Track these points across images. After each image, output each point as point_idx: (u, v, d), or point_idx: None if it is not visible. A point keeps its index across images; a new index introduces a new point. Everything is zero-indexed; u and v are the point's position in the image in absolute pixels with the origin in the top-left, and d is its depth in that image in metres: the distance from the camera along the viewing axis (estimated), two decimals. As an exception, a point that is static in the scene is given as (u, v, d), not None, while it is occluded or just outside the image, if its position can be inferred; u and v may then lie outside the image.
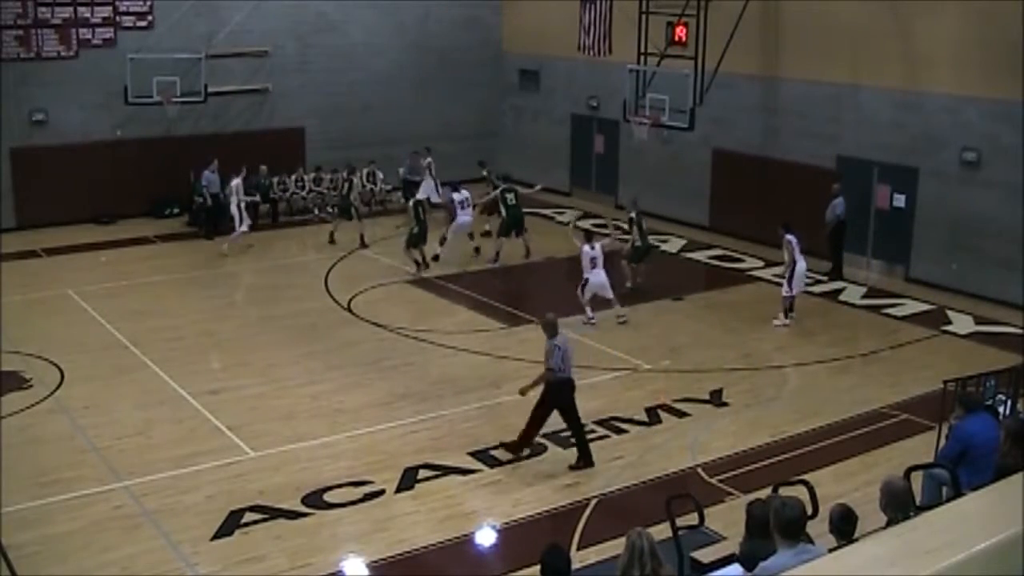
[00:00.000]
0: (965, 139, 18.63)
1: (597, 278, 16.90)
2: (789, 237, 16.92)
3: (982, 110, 18.32)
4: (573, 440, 12.11)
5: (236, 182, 21.22)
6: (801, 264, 16.89)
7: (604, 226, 20.19)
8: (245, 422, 13.06)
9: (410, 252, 19.80)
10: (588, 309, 16.92)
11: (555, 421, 13.13)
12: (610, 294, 17.01)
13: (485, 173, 22.26)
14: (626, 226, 18.90)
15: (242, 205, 21.25)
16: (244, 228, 21.25)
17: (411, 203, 20.38)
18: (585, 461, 11.96)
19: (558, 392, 11.85)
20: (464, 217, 20.47)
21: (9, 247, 20.85)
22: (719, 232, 22.88)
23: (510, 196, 20.28)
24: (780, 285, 17.38)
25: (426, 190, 23.65)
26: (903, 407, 13.79)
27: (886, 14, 19.43)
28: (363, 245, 21.72)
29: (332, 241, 21.83)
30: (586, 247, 17.02)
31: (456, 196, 20.56)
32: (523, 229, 20.53)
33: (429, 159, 24.13)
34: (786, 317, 17.04)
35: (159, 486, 11.41)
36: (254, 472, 11.78)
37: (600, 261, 16.91)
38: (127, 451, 12.31)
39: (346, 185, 22.41)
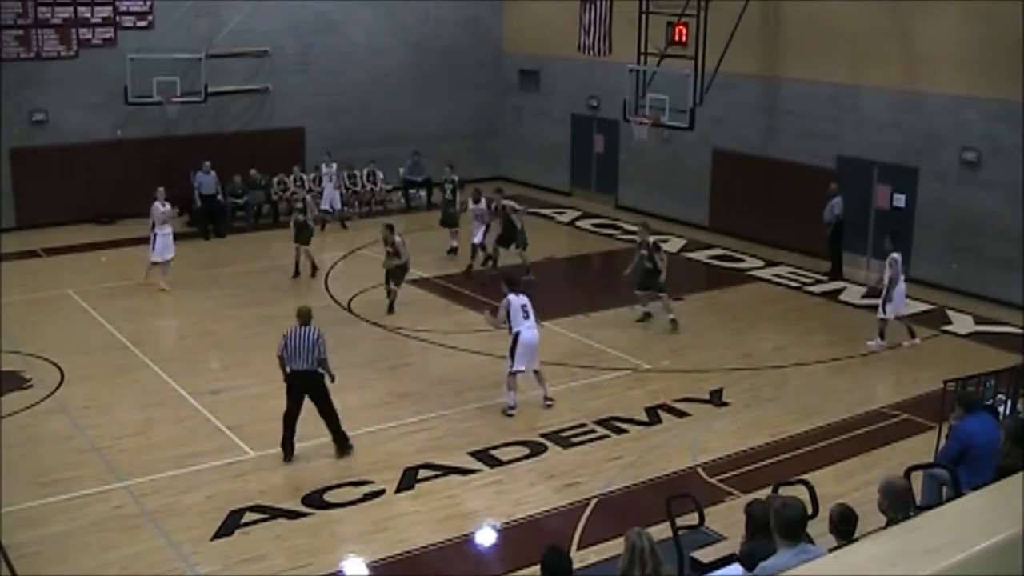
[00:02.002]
0: (965, 139, 18.63)
1: (532, 335, 13.29)
2: (896, 255, 15.86)
3: (982, 110, 18.32)
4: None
5: (156, 205, 18.68)
6: (902, 284, 15.87)
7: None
8: (245, 422, 13.06)
9: (393, 289, 17.66)
10: (512, 393, 13.36)
11: (560, 420, 13.19)
12: (537, 363, 13.55)
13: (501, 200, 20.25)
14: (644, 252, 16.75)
15: (158, 233, 18.53)
16: (156, 257, 18.62)
17: (385, 226, 17.99)
18: (340, 448, 12.10)
19: (288, 385, 12.03)
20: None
21: (9, 247, 20.86)
22: (719, 232, 22.88)
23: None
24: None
25: (328, 198, 23.62)
26: (903, 407, 13.80)
27: (886, 14, 19.43)
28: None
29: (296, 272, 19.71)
30: (511, 296, 13.42)
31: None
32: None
33: (335, 164, 24.14)
34: (882, 338, 16.00)
35: (159, 486, 11.41)
36: (254, 472, 11.78)
37: (531, 311, 13.44)
38: (127, 451, 12.31)
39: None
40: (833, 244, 19.98)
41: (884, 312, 15.94)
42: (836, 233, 19.86)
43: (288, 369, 11.95)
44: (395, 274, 17.66)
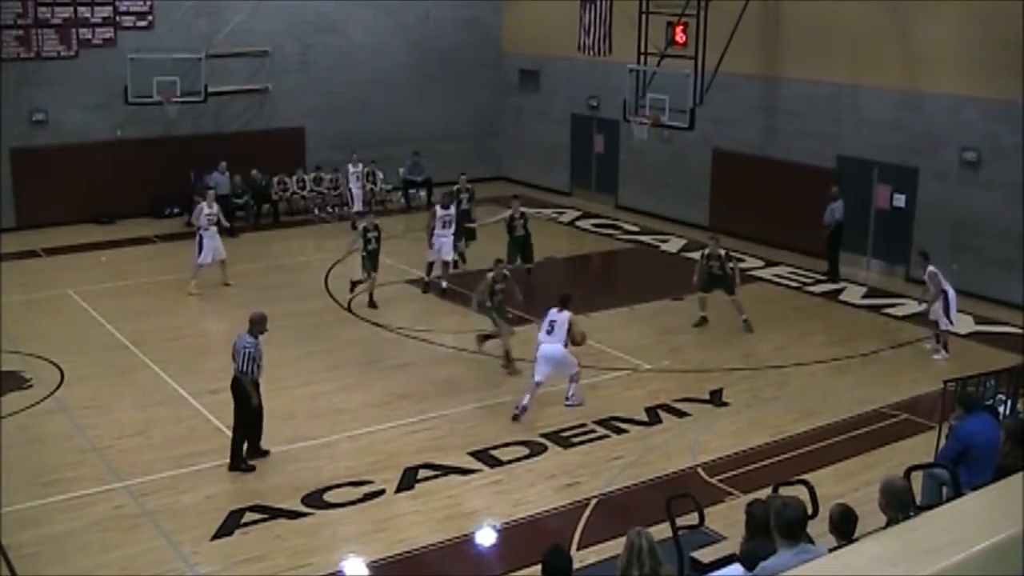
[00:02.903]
0: (965, 139, 18.63)
1: (543, 349, 13.32)
2: (933, 269, 15.61)
3: (982, 110, 18.33)
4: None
5: (202, 206, 18.78)
6: (952, 292, 15.55)
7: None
8: (245, 422, 13.04)
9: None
10: (528, 396, 13.28)
11: (560, 420, 13.19)
12: (570, 370, 13.65)
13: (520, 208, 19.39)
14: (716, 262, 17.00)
15: (203, 233, 18.50)
16: (203, 260, 18.59)
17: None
18: (233, 462, 11.85)
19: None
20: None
21: (9, 247, 20.86)
22: (719, 232, 22.80)
23: (519, 224, 18.93)
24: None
25: (356, 199, 23.13)
26: (903, 407, 13.81)
27: (886, 14, 19.44)
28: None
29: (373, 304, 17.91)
30: (553, 309, 13.56)
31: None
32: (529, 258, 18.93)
33: (361, 164, 23.87)
34: (946, 350, 15.66)
35: (159, 486, 11.42)
36: (254, 472, 11.77)
37: (557, 327, 13.38)
38: (127, 451, 12.31)
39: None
40: (831, 247, 19.88)
41: (949, 323, 15.63)
42: (834, 236, 19.78)
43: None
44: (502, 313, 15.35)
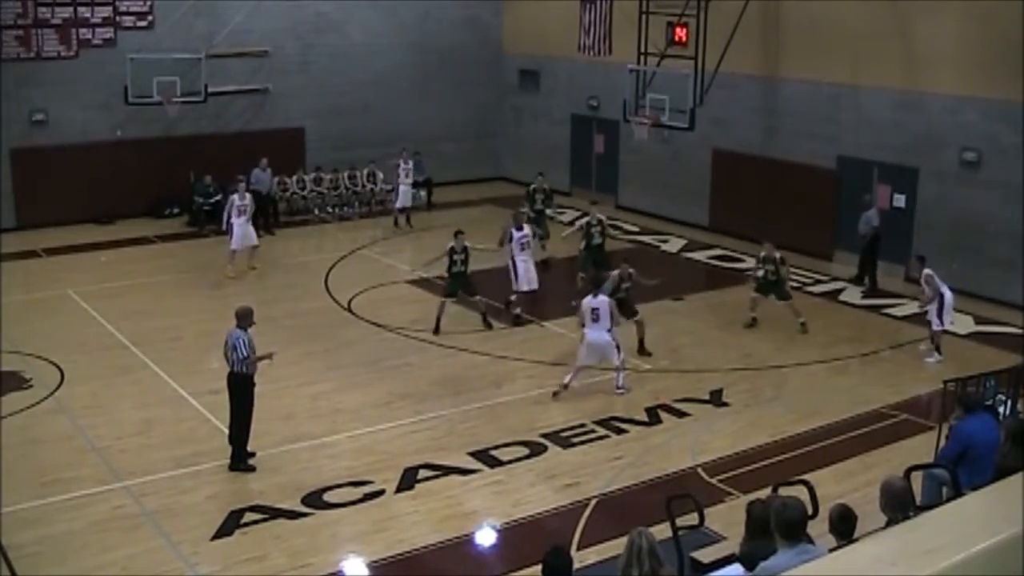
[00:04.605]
0: (965, 139, 18.63)
1: (593, 336, 13.82)
2: (928, 271, 15.51)
3: (982, 110, 18.32)
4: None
5: (233, 198, 19.67)
6: (949, 294, 15.48)
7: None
8: (245, 422, 13.04)
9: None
10: (569, 376, 13.94)
11: (560, 420, 13.19)
12: (616, 359, 14.00)
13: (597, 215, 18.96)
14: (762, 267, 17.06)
15: (234, 223, 19.44)
16: (235, 246, 19.62)
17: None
18: (232, 463, 11.80)
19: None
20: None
21: (9, 247, 20.85)
22: (719, 232, 22.88)
23: (596, 231, 18.48)
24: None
25: (403, 196, 22.98)
26: (903, 407, 13.81)
27: (886, 14, 19.43)
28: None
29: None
30: (589, 297, 14.09)
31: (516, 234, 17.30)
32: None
33: (411, 162, 23.38)
34: (939, 353, 15.55)
35: (159, 486, 11.42)
36: (254, 472, 11.77)
37: (605, 314, 13.84)
38: (127, 451, 12.31)
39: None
40: (865, 256, 19.65)
41: (940, 323, 15.54)
42: (871, 246, 19.52)
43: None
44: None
